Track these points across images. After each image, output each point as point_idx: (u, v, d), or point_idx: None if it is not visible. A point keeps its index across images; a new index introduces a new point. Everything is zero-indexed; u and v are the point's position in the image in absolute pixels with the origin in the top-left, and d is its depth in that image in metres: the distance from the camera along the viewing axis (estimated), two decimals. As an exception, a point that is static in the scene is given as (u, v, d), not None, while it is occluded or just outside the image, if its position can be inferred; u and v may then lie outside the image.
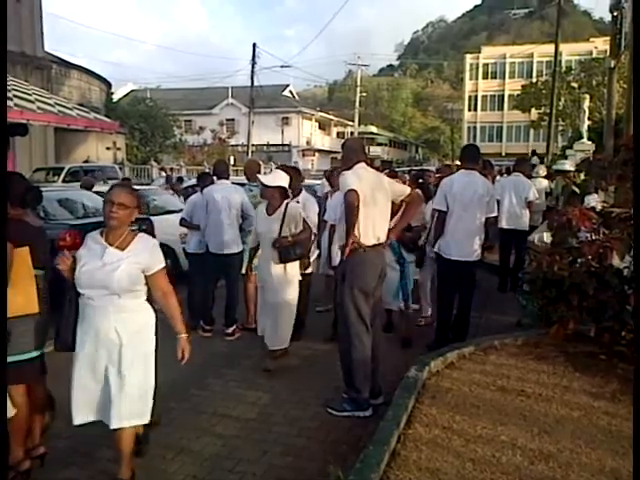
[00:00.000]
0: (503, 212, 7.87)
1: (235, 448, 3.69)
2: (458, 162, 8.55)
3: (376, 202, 4.16)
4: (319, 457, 3.55)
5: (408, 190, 4.45)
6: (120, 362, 2.97)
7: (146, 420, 3.12)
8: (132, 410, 3.02)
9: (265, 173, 6.45)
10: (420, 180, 6.71)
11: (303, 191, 6.08)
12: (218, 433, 3.89)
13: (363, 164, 4.26)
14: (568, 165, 10.07)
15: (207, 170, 13.17)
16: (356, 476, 3.08)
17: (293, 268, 5.01)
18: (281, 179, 5.01)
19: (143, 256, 3.01)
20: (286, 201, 5.00)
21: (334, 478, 3.16)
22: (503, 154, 50.15)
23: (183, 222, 6.45)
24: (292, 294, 5.01)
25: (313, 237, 5.63)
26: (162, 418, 4.05)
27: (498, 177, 12.03)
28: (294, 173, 5.74)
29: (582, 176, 9.19)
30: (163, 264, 3.11)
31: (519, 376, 4.61)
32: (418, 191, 4.85)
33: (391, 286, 5.47)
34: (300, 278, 5.13)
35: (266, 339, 5.01)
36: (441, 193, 5.56)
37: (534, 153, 19.29)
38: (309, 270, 5.81)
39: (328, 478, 3.21)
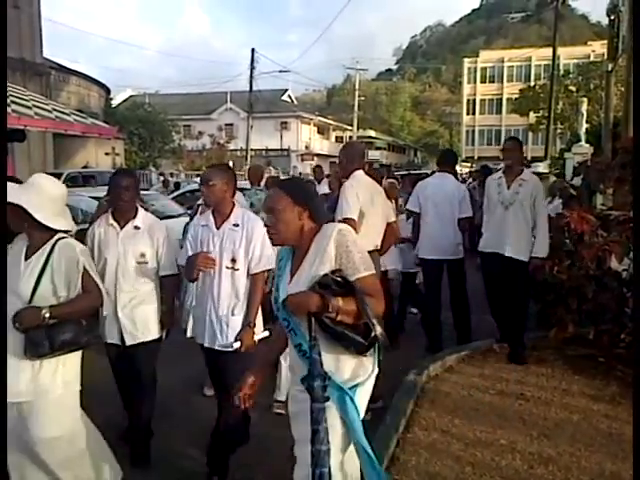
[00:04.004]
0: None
1: (235, 453, 3.67)
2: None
3: (375, 207, 4.18)
4: (318, 462, 3.53)
5: (394, 218, 4.49)
6: None
7: None
8: None
9: None
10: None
11: (141, 210, 3.53)
12: (217, 438, 3.87)
13: (361, 171, 4.27)
14: (542, 168, 10.38)
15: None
16: (355, 481, 3.07)
17: (64, 372, 2.66)
18: (24, 190, 2.62)
19: None
20: (57, 236, 2.69)
21: (333, 483, 3.14)
22: (502, 157, 50.16)
23: None
24: (67, 425, 2.67)
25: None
26: (163, 423, 4.04)
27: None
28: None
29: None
30: None
31: (518, 379, 4.61)
32: (397, 224, 4.69)
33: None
34: (79, 388, 2.73)
35: None
36: (414, 195, 5.68)
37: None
38: None
39: (327, 483, 3.19)
